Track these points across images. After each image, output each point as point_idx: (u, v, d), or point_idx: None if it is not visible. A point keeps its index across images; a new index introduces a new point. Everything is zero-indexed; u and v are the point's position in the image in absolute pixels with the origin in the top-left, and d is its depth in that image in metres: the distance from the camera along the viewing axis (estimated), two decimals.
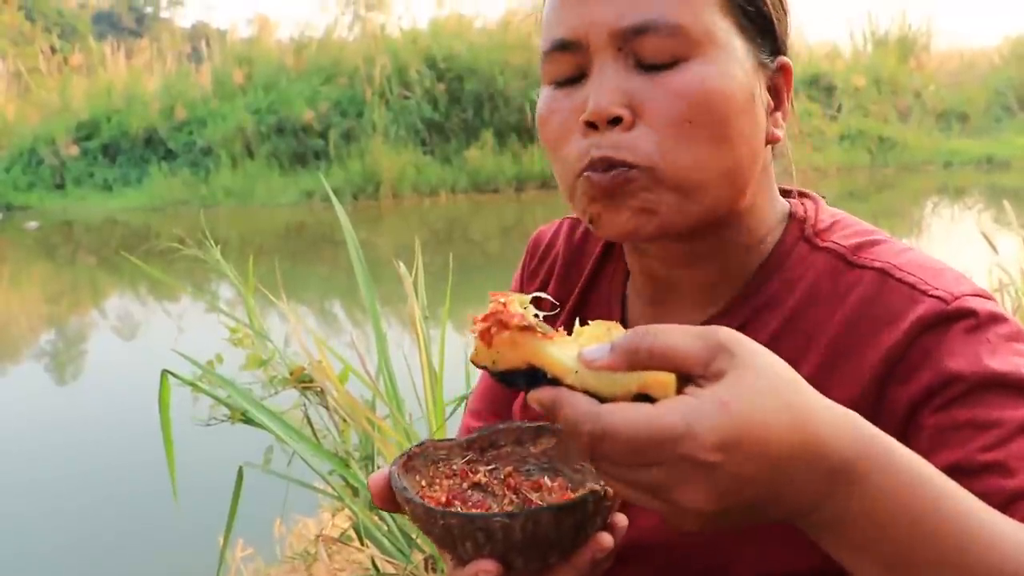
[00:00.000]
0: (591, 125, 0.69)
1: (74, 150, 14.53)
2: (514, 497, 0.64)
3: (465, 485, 0.66)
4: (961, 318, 0.66)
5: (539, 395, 0.52)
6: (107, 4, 33.86)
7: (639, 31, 0.67)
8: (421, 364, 1.95)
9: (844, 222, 0.77)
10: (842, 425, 0.51)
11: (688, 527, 0.52)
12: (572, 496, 0.61)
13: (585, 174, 0.69)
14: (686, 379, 0.50)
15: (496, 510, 0.63)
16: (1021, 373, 0.62)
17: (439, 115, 13.99)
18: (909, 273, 0.69)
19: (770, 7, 0.72)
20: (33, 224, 12.59)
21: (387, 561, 1.84)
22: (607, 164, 0.68)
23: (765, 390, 0.49)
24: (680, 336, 0.50)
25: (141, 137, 14.59)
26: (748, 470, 0.48)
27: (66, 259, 10.58)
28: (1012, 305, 2.51)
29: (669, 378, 0.50)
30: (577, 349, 0.52)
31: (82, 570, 2.96)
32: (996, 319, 0.66)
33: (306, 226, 11.69)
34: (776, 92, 0.74)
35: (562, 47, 0.71)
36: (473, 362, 0.55)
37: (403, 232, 10.02)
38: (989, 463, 0.60)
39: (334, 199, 2.16)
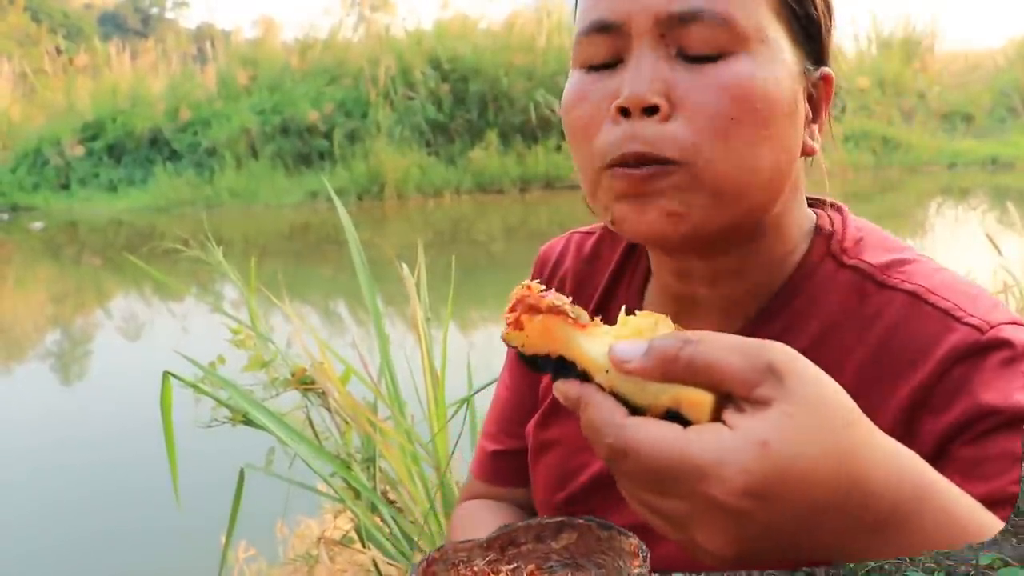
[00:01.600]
0: (624, 112, 0.64)
1: (79, 151, 14.57)
2: None
3: None
4: (996, 349, 0.62)
5: (565, 388, 0.49)
6: (112, 5, 33.97)
7: (686, 19, 0.63)
8: (423, 366, 1.95)
9: (872, 236, 0.73)
10: (895, 469, 0.47)
11: (706, 565, 0.47)
12: None
13: (614, 168, 0.64)
14: (726, 397, 0.45)
15: None
16: None
17: (443, 116, 14.00)
18: (943, 298, 0.66)
19: (820, 13, 0.69)
20: (38, 224, 12.62)
21: (389, 564, 1.83)
22: (641, 160, 0.63)
23: (813, 429, 0.44)
24: (725, 351, 0.45)
25: (146, 138, 14.64)
26: (782, 519, 0.44)
27: (71, 259, 10.60)
28: (1016, 306, 2.50)
29: (706, 398, 0.45)
30: (612, 342, 0.48)
31: (84, 570, 2.96)
32: None
33: (310, 227, 11.71)
34: (815, 103, 0.71)
35: (601, 29, 0.65)
36: (504, 340, 0.52)
37: (407, 233, 10.03)
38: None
39: (336, 200, 2.16)
